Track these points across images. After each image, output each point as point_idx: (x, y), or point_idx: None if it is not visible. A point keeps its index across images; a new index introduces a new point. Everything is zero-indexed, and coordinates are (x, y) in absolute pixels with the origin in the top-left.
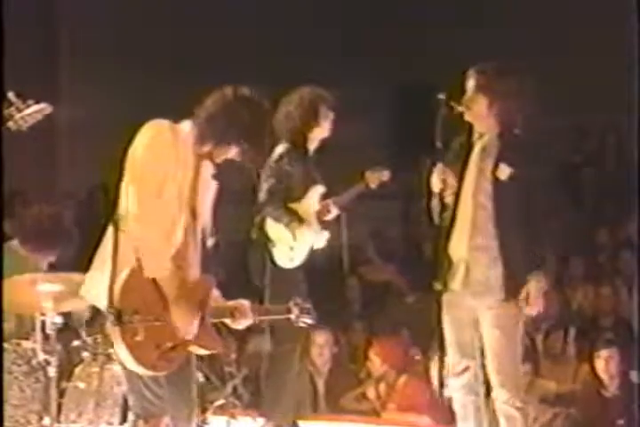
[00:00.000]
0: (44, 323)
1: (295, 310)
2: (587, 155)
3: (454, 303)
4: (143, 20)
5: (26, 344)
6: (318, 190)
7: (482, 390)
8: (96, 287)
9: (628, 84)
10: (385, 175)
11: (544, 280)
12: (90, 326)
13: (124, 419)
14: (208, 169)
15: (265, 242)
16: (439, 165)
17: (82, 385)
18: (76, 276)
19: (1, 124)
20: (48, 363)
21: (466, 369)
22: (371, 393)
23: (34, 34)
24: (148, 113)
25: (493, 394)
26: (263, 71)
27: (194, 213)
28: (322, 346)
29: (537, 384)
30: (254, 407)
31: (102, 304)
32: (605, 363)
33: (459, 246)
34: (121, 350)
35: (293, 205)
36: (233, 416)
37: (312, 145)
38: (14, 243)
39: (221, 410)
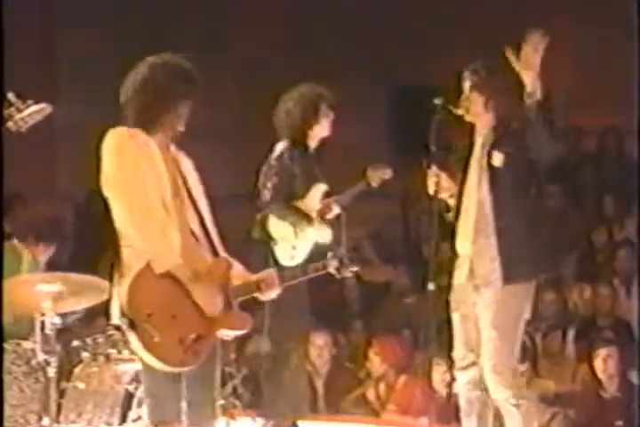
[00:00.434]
0: (43, 323)
1: (334, 263)
2: (585, 154)
3: (461, 300)
4: (143, 21)
5: (25, 345)
6: (320, 189)
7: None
8: (113, 307)
9: (628, 84)
10: (387, 173)
11: None
12: (89, 326)
13: (123, 419)
14: (185, 161)
15: (267, 240)
16: (433, 168)
17: (81, 385)
18: (74, 276)
19: (1, 125)
20: (47, 363)
21: (471, 364)
22: (370, 393)
23: (33, 34)
24: None
25: (491, 392)
26: (263, 69)
27: (192, 204)
28: (321, 347)
29: (536, 384)
30: (254, 408)
31: (116, 316)
32: (604, 362)
33: (464, 242)
34: (144, 355)
35: (296, 204)
36: (232, 417)
37: (312, 143)
38: (12, 242)
39: (221, 410)
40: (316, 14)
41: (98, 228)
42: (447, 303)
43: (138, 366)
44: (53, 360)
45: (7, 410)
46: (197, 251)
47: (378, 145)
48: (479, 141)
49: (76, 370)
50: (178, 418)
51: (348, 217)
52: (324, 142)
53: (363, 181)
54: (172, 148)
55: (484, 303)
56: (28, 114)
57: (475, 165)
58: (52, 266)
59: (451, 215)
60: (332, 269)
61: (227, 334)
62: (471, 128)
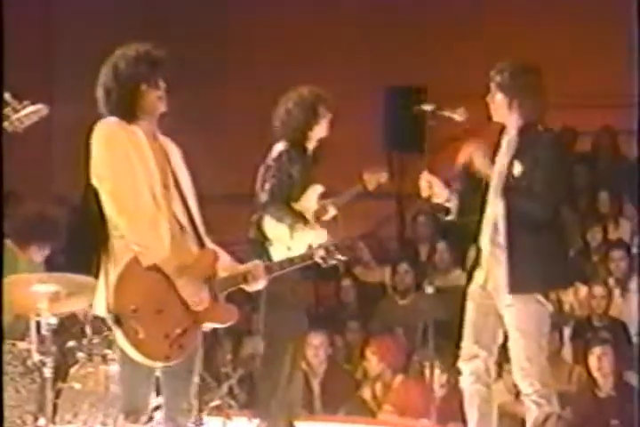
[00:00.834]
0: (39, 324)
1: (320, 252)
2: (580, 154)
3: (479, 293)
4: (142, 21)
5: (21, 345)
6: (317, 190)
7: (491, 383)
8: (98, 297)
9: (624, 84)
10: (383, 176)
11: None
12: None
13: None
14: (173, 149)
15: (262, 241)
16: (425, 173)
17: (77, 386)
18: (71, 276)
19: (1, 125)
20: (43, 364)
21: (475, 357)
22: (367, 393)
23: (30, 34)
24: None
25: (519, 386)
26: (262, 72)
27: (180, 195)
28: (317, 347)
29: None
30: (250, 408)
31: (102, 311)
32: (599, 360)
33: (484, 243)
34: (129, 351)
35: (292, 205)
36: (228, 417)
37: (311, 144)
38: (7, 242)
39: (217, 410)
40: (314, 14)
41: (94, 228)
42: (445, 304)
43: None
44: (49, 361)
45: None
46: (184, 242)
47: (374, 145)
48: (504, 142)
49: (72, 371)
50: (148, 408)
51: (344, 217)
52: (321, 144)
53: (359, 184)
54: (160, 136)
55: (503, 305)
56: (25, 114)
57: (498, 166)
58: (49, 266)
59: (451, 217)
60: (317, 259)
61: (212, 326)
62: (501, 129)
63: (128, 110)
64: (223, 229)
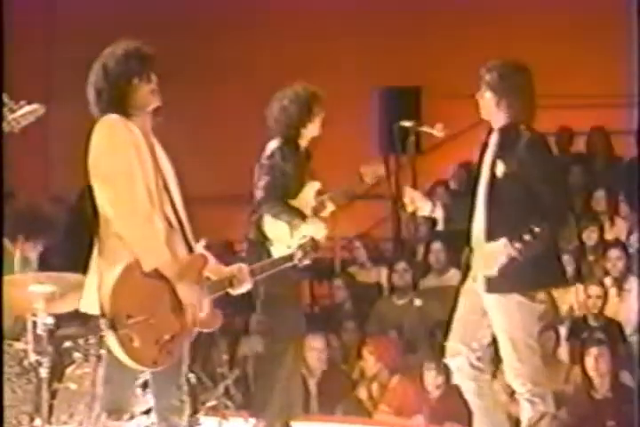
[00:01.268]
0: (35, 324)
1: (298, 254)
2: (575, 155)
3: (469, 292)
4: (142, 21)
5: (17, 345)
6: (314, 186)
7: (484, 378)
8: (91, 296)
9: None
10: (380, 169)
11: None
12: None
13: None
14: (159, 148)
15: (262, 241)
16: (407, 188)
17: (73, 386)
18: (67, 276)
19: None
20: (39, 364)
21: (457, 353)
22: (363, 393)
23: (28, 34)
24: None
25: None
26: (257, 72)
27: (167, 194)
28: (320, 351)
29: None
30: (246, 408)
31: (96, 312)
32: (595, 361)
33: (476, 241)
34: (120, 356)
35: (289, 202)
36: (225, 417)
37: (304, 142)
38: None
39: (213, 411)
40: (310, 14)
41: (91, 228)
42: (441, 304)
43: None
44: (45, 361)
45: None
46: (173, 243)
47: (369, 144)
48: (490, 142)
49: (68, 371)
50: (131, 407)
51: (340, 218)
52: (314, 141)
53: (356, 178)
54: (150, 134)
55: (489, 304)
56: (21, 115)
57: (483, 166)
58: (45, 266)
59: (439, 227)
60: (296, 260)
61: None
62: (490, 129)
63: (120, 108)
64: (223, 230)
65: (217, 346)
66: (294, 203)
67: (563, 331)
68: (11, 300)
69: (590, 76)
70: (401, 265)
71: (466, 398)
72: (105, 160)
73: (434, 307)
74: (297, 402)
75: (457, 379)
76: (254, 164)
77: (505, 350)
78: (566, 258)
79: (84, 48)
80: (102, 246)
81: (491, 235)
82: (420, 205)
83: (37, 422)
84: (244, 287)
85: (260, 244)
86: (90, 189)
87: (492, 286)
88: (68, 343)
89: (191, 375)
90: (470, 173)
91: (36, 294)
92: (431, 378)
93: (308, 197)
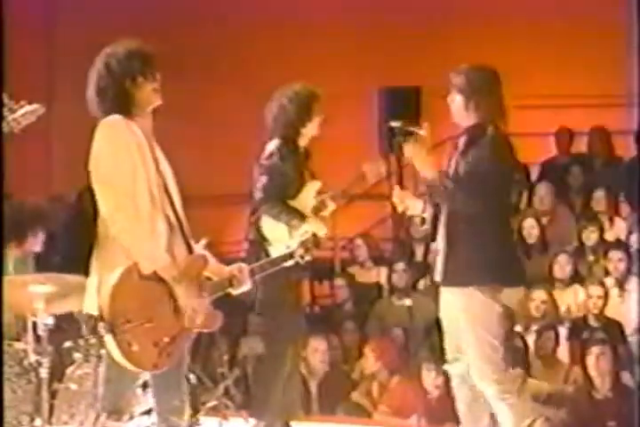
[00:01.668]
0: (35, 324)
1: (299, 251)
2: (575, 155)
3: (444, 298)
4: (141, 21)
5: (17, 345)
6: (315, 186)
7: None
8: (92, 298)
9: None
10: (381, 168)
11: None
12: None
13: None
14: (158, 148)
15: (261, 242)
16: (396, 189)
17: (74, 386)
18: (67, 277)
19: (0, 126)
20: (40, 364)
21: (454, 360)
22: (363, 394)
23: (28, 34)
24: None
25: (479, 388)
26: (257, 72)
27: (167, 194)
28: (323, 352)
29: (528, 385)
30: (246, 408)
31: (95, 314)
32: (596, 360)
33: (440, 240)
34: (119, 359)
35: (290, 202)
36: (225, 417)
37: (303, 141)
38: None
39: (213, 411)
40: (312, 14)
41: (91, 229)
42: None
43: None
44: (45, 361)
45: None
46: (173, 244)
47: (369, 144)
48: (460, 142)
49: (68, 371)
50: (130, 408)
51: (341, 218)
52: (314, 141)
53: (358, 177)
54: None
55: (449, 303)
56: (22, 115)
57: (451, 169)
58: (45, 267)
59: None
60: (297, 257)
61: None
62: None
63: (123, 108)
64: (223, 230)
65: (217, 346)
66: (294, 203)
67: (563, 331)
68: (11, 300)
69: (590, 76)
70: (400, 265)
71: (458, 402)
72: (107, 163)
73: (433, 307)
74: (297, 402)
75: (455, 384)
76: (253, 163)
77: (469, 351)
78: (565, 258)
79: (85, 48)
80: (102, 248)
81: (449, 233)
82: (409, 204)
83: (38, 422)
84: (244, 287)
85: (260, 244)
86: (90, 190)
87: (447, 279)
88: (68, 344)
89: (191, 376)
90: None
91: (37, 294)
92: (430, 379)
93: (308, 196)
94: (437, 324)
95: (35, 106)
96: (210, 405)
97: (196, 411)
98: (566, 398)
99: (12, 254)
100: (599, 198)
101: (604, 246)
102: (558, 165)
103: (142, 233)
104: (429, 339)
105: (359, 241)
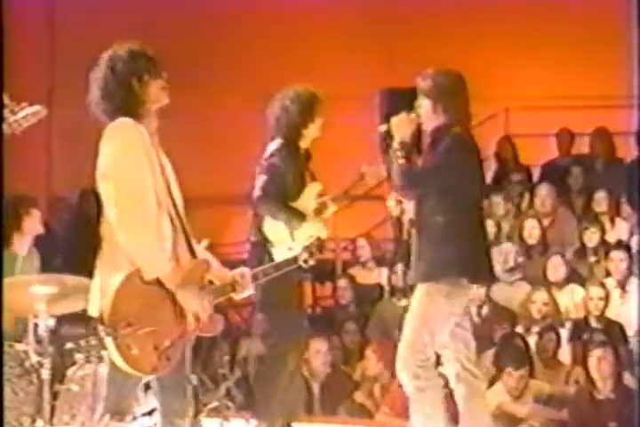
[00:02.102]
0: (36, 325)
1: (303, 255)
2: (577, 156)
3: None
4: (141, 23)
5: (19, 346)
6: (316, 188)
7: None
8: (95, 300)
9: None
10: (382, 169)
11: None
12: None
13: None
14: (161, 152)
15: (264, 243)
16: (392, 194)
17: (75, 388)
18: (68, 278)
19: (1, 128)
20: (41, 365)
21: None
22: (365, 395)
23: (28, 35)
24: None
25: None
26: (258, 74)
27: (170, 196)
28: (325, 354)
29: (530, 386)
30: (247, 409)
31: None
32: (597, 362)
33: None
34: (119, 363)
35: (291, 204)
36: (226, 418)
37: (304, 143)
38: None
39: (215, 412)
40: (312, 15)
41: (92, 230)
42: None
43: None
44: (47, 362)
45: None
46: (177, 244)
47: (369, 145)
48: (424, 143)
49: (70, 372)
50: (133, 409)
51: (341, 220)
52: (314, 142)
53: (358, 178)
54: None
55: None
56: (23, 116)
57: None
58: (47, 268)
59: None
60: (301, 262)
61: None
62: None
63: (131, 109)
64: (223, 231)
65: (218, 347)
66: (295, 205)
67: (564, 332)
68: (12, 301)
69: (591, 77)
70: (400, 266)
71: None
72: (117, 166)
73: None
74: (298, 403)
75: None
76: (254, 165)
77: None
78: (566, 259)
79: (86, 50)
80: (106, 250)
81: (416, 232)
82: (406, 207)
83: (39, 423)
84: (247, 292)
85: (262, 246)
86: (94, 192)
87: (413, 277)
88: (69, 345)
89: (193, 377)
90: None
91: (38, 295)
92: None
93: (309, 198)
94: None
95: (36, 107)
96: (211, 406)
97: (197, 412)
98: (568, 399)
99: (17, 252)
100: (600, 199)
101: (605, 247)
102: (559, 167)
103: (148, 239)
104: None
105: (362, 241)
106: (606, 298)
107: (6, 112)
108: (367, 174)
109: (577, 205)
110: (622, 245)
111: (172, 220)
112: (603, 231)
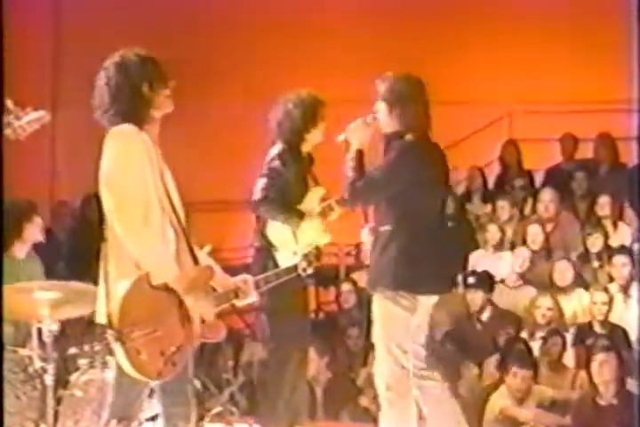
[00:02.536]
0: (40, 330)
1: (302, 264)
2: (580, 161)
3: None
4: (145, 26)
5: (22, 352)
6: (319, 192)
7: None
8: (102, 306)
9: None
10: None
11: None
12: (87, 333)
13: None
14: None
15: (268, 248)
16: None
17: (79, 393)
18: (72, 283)
19: (1, 132)
20: (45, 371)
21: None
22: (369, 398)
23: (33, 40)
24: None
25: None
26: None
27: (172, 206)
28: (328, 358)
29: (534, 391)
30: (251, 414)
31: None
32: (600, 367)
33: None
34: (126, 368)
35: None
36: (230, 424)
37: (306, 147)
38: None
39: (218, 417)
40: (312, 16)
41: (96, 235)
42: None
43: None
44: (50, 368)
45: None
46: (180, 249)
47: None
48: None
49: (73, 378)
50: (139, 415)
51: (344, 225)
52: (317, 147)
53: None
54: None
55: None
56: (27, 122)
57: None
58: (50, 273)
59: None
60: (300, 270)
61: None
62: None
63: (140, 115)
64: (225, 236)
65: (222, 352)
66: (299, 208)
67: (568, 337)
68: (16, 306)
69: (595, 82)
70: None
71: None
72: (120, 172)
73: (436, 313)
74: (302, 408)
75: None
76: (257, 170)
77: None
78: (570, 264)
79: (90, 55)
80: (110, 256)
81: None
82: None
83: None
84: (249, 299)
85: (266, 251)
86: (97, 197)
87: (368, 284)
88: (73, 350)
89: (196, 382)
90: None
91: (42, 300)
92: None
93: (313, 202)
94: (441, 330)
95: (40, 113)
96: (215, 411)
97: (201, 417)
98: (570, 404)
99: (20, 255)
100: (604, 204)
101: (608, 252)
102: (563, 171)
103: (153, 244)
104: (433, 344)
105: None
106: (610, 303)
107: (11, 118)
108: None
109: (580, 209)
110: (625, 250)
111: (172, 225)
112: (606, 236)
